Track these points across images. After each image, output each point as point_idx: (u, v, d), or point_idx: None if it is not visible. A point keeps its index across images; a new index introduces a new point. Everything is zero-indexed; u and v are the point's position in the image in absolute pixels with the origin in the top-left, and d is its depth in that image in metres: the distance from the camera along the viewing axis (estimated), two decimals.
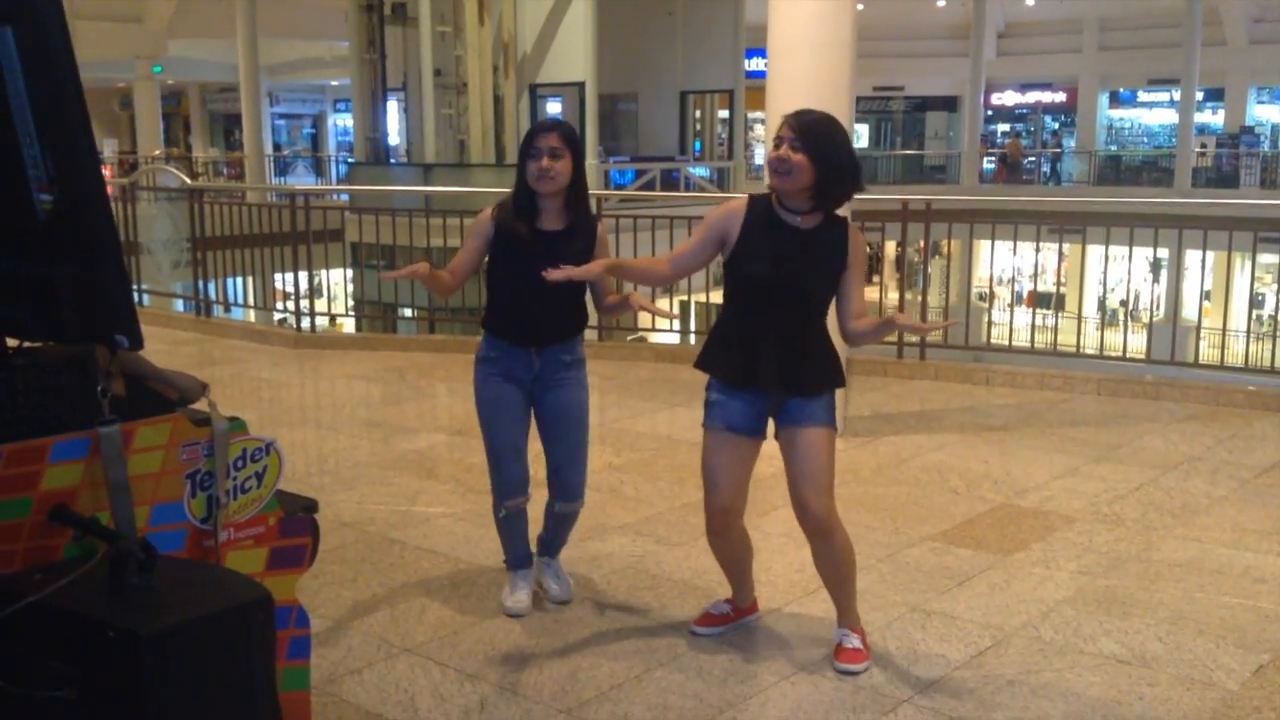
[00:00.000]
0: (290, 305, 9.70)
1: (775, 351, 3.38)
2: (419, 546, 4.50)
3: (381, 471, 5.53)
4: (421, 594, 4.04)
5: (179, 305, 10.72)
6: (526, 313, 3.76)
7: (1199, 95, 27.08)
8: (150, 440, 2.19)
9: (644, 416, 6.73)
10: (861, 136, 33.82)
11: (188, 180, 10.23)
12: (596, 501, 5.04)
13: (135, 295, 10.49)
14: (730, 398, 3.45)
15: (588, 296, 3.88)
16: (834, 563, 3.49)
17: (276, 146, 36.82)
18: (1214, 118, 29.15)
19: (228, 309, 11.03)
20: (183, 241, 10.22)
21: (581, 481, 3.95)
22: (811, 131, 3.28)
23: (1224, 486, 5.27)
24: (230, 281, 10.76)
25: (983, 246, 9.74)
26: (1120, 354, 8.04)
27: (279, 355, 8.69)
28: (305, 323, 9.34)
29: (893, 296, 7.62)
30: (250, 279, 10.68)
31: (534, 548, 4.07)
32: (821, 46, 5.69)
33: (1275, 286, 18.52)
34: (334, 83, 35.61)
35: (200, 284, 9.98)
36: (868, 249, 3.52)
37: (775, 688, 3.36)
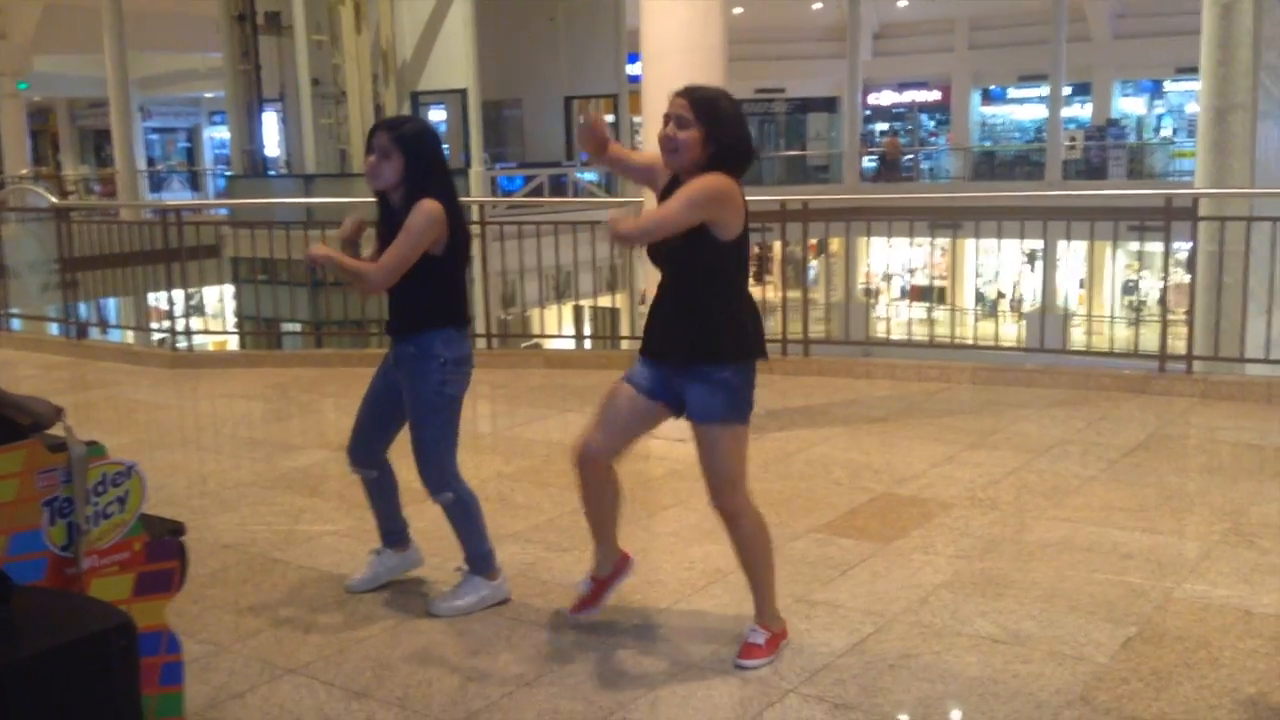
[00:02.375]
0: (167, 324, 9.46)
1: (658, 319, 3.46)
2: (303, 565, 4.43)
3: (263, 491, 5.43)
4: (306, 613, 3.98)
5: (53, 329, 10.36)
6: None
7: (1067, 90, 28.01)
8: (3, 468, 2.12)
9: (535, 424, 6.72)
10: None
11: (53, 199, 9.90)
12: (487, 511, 4.98)
13: (4, 320, 10.14)
14: (639, 361, 3.53)
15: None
16: (738, 548, 3.55)
17: (150, 161, 35.82)
18: (1081, 111, 30.16)
19: (104, 330, 10.73)
20: (51, 263, 9.88)
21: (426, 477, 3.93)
22: (700, 106, 3.27)
23: (1093, 467, 5.47)
24: (104, 303, 10.45)
25: (869, 244, 9.98)
26: (994, 343, 8.29)
27: (155, 376, 8.47)
28: (183, 342, 9.13)
29: (782, 294, 7.80)
30: (125, 299, 10.40)
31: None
32: (692, 51, 5.77)
33: (1144, 274, 19.27)
34: (209, 95, 34.81)
35: (71, 306, 9.67)
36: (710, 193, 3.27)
37: (664, 686, 3.39)
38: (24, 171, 25.96)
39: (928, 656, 3.52)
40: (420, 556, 4.28)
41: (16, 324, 10.38)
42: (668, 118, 3.30)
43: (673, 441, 6.07)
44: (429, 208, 3.66)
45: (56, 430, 2.37)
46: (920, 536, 4.57)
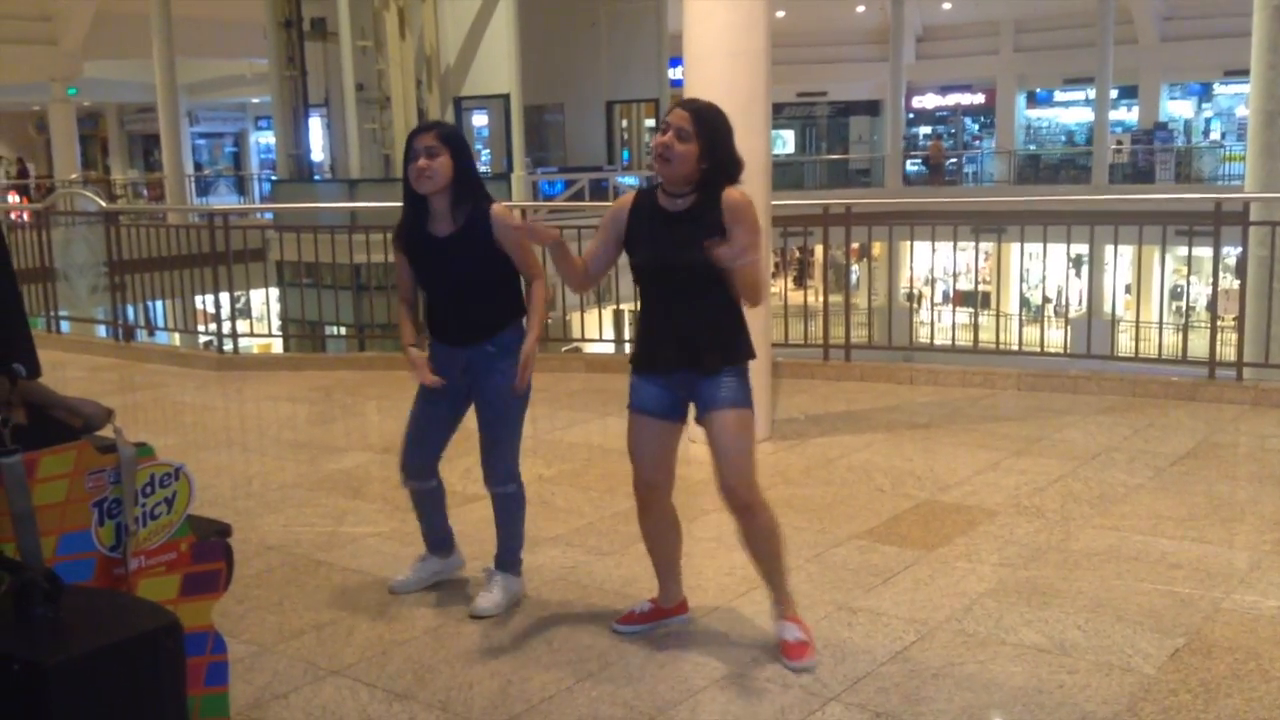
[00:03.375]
0: (213, 327, 9.56)
1: (670, 333, 3.47)
2: (346, 567, 4.46)
3: (308, 493, 5.47)
4: (349, 615, 4.01)
5: (101, 331, 10.50)
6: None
7: (1113, 93, 27.71)
8: (54, 469, 2.15)
9: (576, 427, 6.73)
10: (787, 142, 34.14)
11: (103, 203, 10.03)
12: (527, 514, 5.03)
13: (53, 322, 10.29)
14: (642, 381, 3.57)
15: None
16: (756, 540, 3.55)
17: (197, 166, 36.31)
18: (1128, 115, 29.83)
19: (151, 333, 10.86)
20: (100, 266, 10.02)
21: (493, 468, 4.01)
22: (701, 121, 3.35)
23: (1140, 475, 5.39)
24: (151, 305, 10.58)
25: (911, 248, 9.92)
26: (1040, 349, 8.20)
27: (202, 378, 8.57)
28: (229, 345, 9.22)
29: (824, 299, 7.76)
30: (171, 302, 10.52)
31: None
32: (736, 54, 5.75)
33: (1193, 279, 18.97)
34: (255, 100, 35.19)
35: (119, 309, 9.80)
36: (754, 212, 3.43)
37: (704, 692, 3.38)
38: (73, 176, 26.36)
39: (971, 666, 3.49)
40: (462, 559, 4.30)
41: (66, 326, 10.53)
42: (667, 126, 3.37)
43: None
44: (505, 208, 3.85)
45: (106, 432, 2.40)
46: (964, 544, 4.53)
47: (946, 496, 5.15)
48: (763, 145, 5.90)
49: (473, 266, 3.82)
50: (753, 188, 5.89)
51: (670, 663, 3.58)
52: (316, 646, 3.75)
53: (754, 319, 6.01)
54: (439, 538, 4.24)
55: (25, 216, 12.80)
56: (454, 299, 3.90)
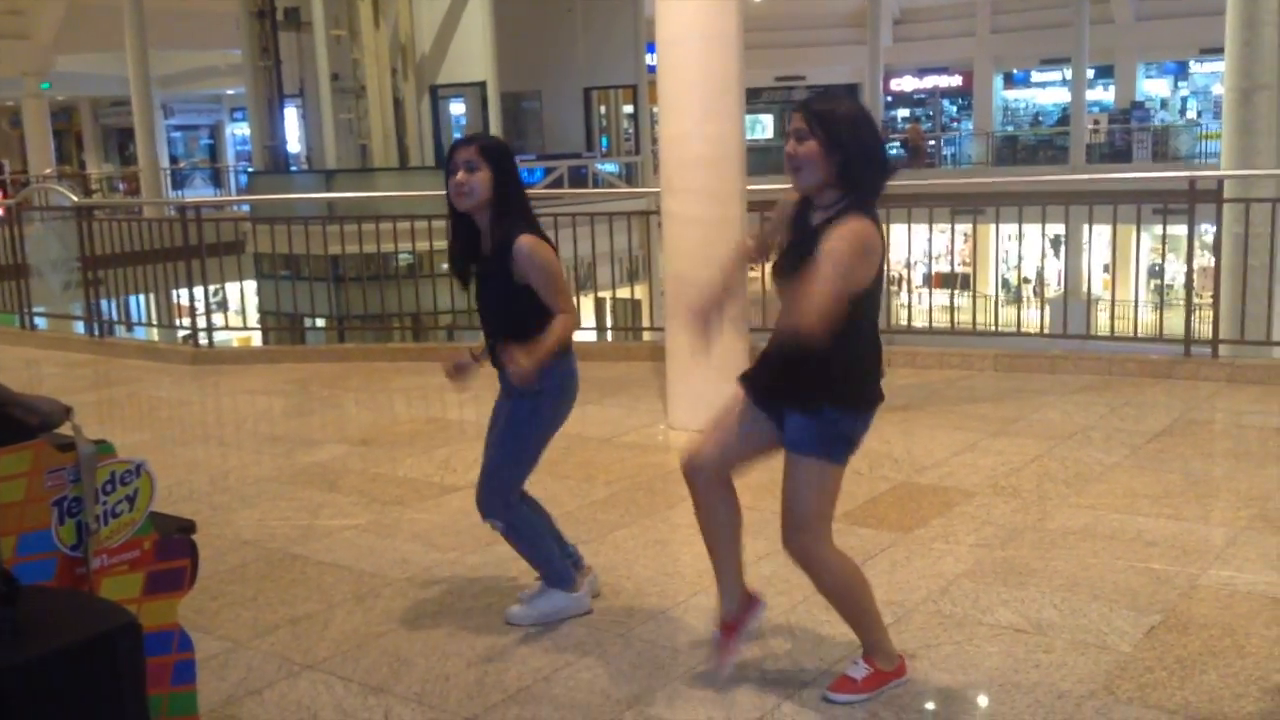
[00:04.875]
0: (189, 321, 9.49)
1: (771, 352, 3.15)
2: (321, 561, 4.43)
3: (283, 486, 5.44)
4: (324, 609, 3.98)
5: (77, 327, 10.42)
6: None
7: (1090, 73, 27.76)
8: (11, 468, 2.12)
9: None
10: (766, 127, 34.12)
11: (75, 198, 9.95)
12: None
13: (28, 319, 10.20)
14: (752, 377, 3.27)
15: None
16: (828, 595, 3.25)
17: (173, 159, 36.06)
18: (1105, 95, 29.89)
19: (130, 328, 10.78)
20: (73, 261, 9.94)
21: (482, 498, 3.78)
22: (821, 118, 2.94)
23: (1116, 454, 5.41)
24: (127, 300, 10.50)
25: (888, 230, 9.90)
26: (1017, 330, 8.21)
27: (177, 373, 8.51)
28: (205, 339, 9.16)
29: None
30: (147, 297, 10.43)
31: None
32: (708, 37, 5.72)
33: (1170, 258, 19.08)
34: (230, 92, 34.95)
35: (93, 304, 9.72)
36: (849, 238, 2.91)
37: (682, 680, 3.37)
38: (48, 171, 26.15)
39: (948, 647, 3.49)
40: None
41: (41, 322, 10.45)
42: (788, 134, 3.01)
43: (693, 434, 6.07)
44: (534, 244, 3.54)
45: (66, 429, 2.37)
46: (941, 525, 4.53)
47: (923, 478, 5.15)
48: (736, 131, 5.87)
49: (498, 295, 3.62)
50: (727, 173, 5.91)
51: (648, 652, 3.57)
52: (291, 641, 3.73)
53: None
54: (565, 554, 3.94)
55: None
56: (488, 324, 3.71)
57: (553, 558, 3.86)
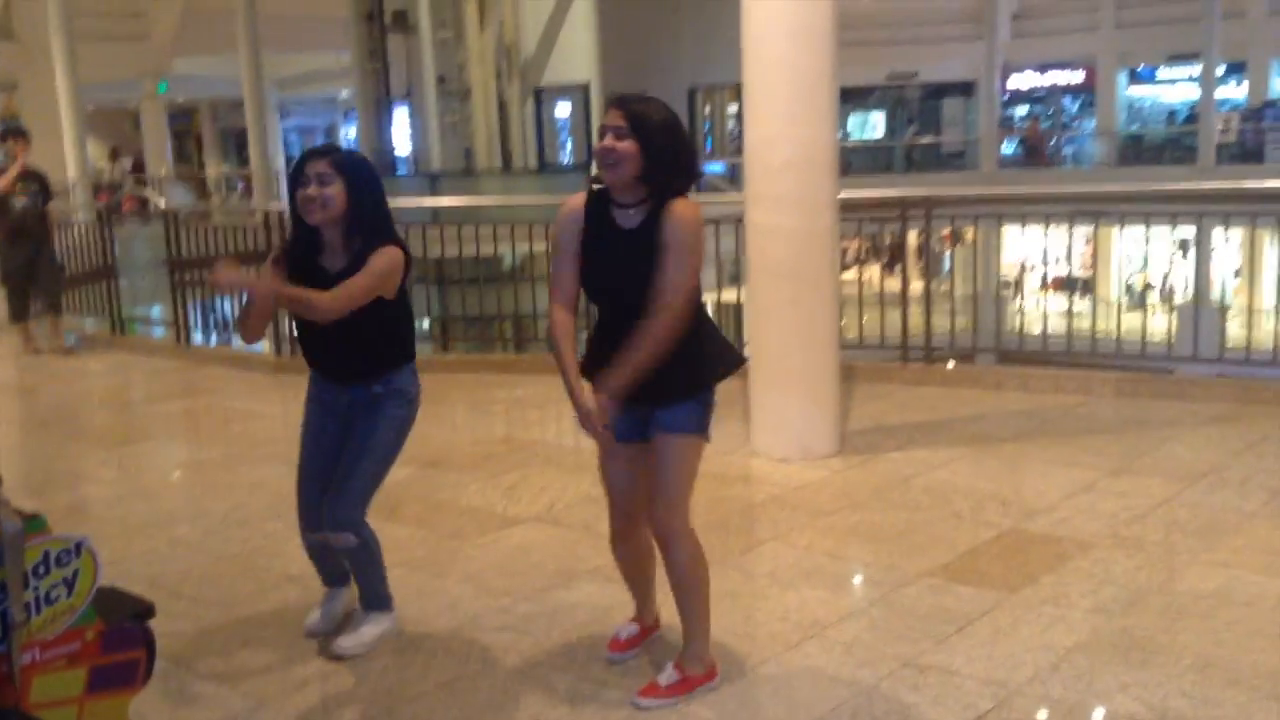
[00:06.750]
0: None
1: (628, 362, 3.12)
2: None
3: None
4: (361, 661, 3.65)
5: (163, 332, 10.38)
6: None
7: (1220, 69, 26.41)
8: None
9: None
10: (878, 126, 33.30)
11: (161, 202, 9.89)
12: (567, 540, 4.65)
13: (118, 323, 10.16)
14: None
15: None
16: (674, 576, 3.31)
17: (288, 160, 36.59)
18: (1237, 91, 28.43)
19: (219, 334, 10.70)
20: (161, 266, 9.89)
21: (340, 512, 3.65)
22: (639, 117, 3.06)
23: (1254, 500, 4.80)
24: (213, 305, 10.42)
25: (1004, 234, 9.33)
26: (1141, 346, 7.53)
27: (257, 383, 8.33)
28: (289, 348, 8.97)
29: (903, 304, 7.24)
30: (232, 302, 10.32)
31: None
32: (798, 34, 5.26)
33: None
34: (344, 94, 35.34)
35: (180, 310, 9.63)
36: (700, 225, 3.11)
37: None
38: (164, 172, 26.70)
39: None
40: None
41: (130, 328, 10.43)
42: (604, 129, 3.11)
43: (776, 462, 5.63)
44: (394, 254, 3.49)
45: None
46: (1052, 584, 4.01)
47: (1033, 525, 4.62)
48: (828, 134, 5.39)
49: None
50: (817, 180, 5.44)
51: None
52: (317, 702, 3.40)
53: (819, 319, 5.55)
54: (340, 569, 3.91)
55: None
56: (334, 337, 3.53)
57: (385, 579, 3.81)
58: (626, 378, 3.09)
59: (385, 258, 3.45)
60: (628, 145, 3.05)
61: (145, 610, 2.14)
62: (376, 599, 3.81)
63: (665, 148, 3.07)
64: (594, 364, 3.24)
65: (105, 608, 2.02)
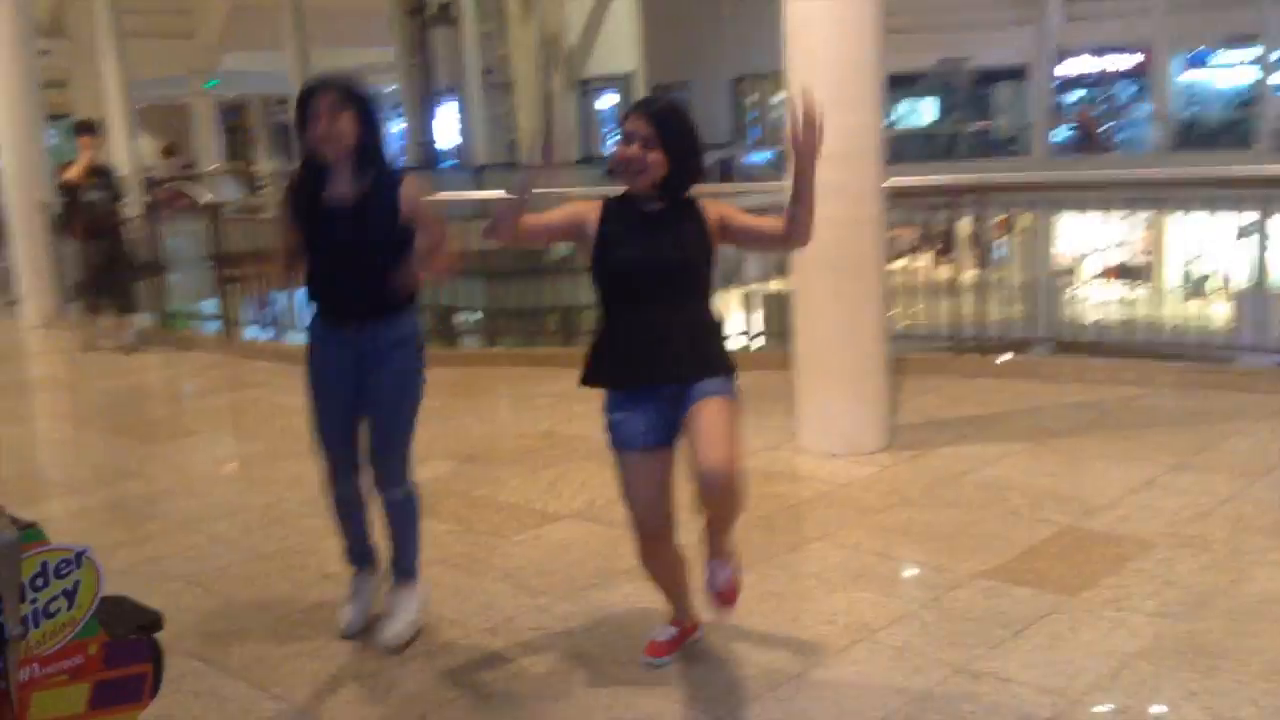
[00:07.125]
0: None
1: (667, 341, 3.14)
2: None
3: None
4: (396, 663, 3.56)
5: (211, 327, 10.39)
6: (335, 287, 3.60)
7: (1277, 53, 25.75)
8: None
9: None
10: (929, 112, 32.87)
11: (208, 196, 9.90)
12: (607, 538, 4.53)
13: (166, 317, 10.20)
14: (630, 412, 3.19)
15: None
16: (733, 520, 3.21)
17: None
18: None
19: (270, 327, 10.71)
20: (207, 260, 9.90)
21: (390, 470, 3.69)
22: (667, 125, 3.11)
23: None
24: (261, 299, 10.42)
25: (1059, 221, 9.13)
26: (1201, 325, 7.29)
27: (301, 376, 8.27)
28: None
29: (969, 274, 7.11)
30: (278, 296, 10.32)
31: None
32: (843, 20, 5.10)
33: None
34: (390, 88, 35.48)
35: (227, 304, 9.63)
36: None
37: None
38: (213, 166, 26.91)
39: None
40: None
41: (178, 322, 10.46)
42: (630, 135, 3.12)
43: (824, 458, 5.47)
44: (422, 181, 3.56)
45: None
46: (1113, 586, 3.83)
47: (1093, 522, 4.43)
48: (873, 122, 5.21)
49: (383, 232, 3.51)
50: (862, 169, 5.27)
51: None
52: (351, 706, 3.32)
53: (865, 310, 5.39)
54: (370, 547, 3.91)
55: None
56: (354, 266, 3.53)
57: (419, 544, 3.79)
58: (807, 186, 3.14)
59: (418, 187, 3.54)
60: (656, 156, 3.10)
61: (152, 621, 2.04)
62: (410, 567, 3.77)
63: (690, 152, 3.15)
64: (615, 365, 3.19)
65: (110, 619, 1.93)
